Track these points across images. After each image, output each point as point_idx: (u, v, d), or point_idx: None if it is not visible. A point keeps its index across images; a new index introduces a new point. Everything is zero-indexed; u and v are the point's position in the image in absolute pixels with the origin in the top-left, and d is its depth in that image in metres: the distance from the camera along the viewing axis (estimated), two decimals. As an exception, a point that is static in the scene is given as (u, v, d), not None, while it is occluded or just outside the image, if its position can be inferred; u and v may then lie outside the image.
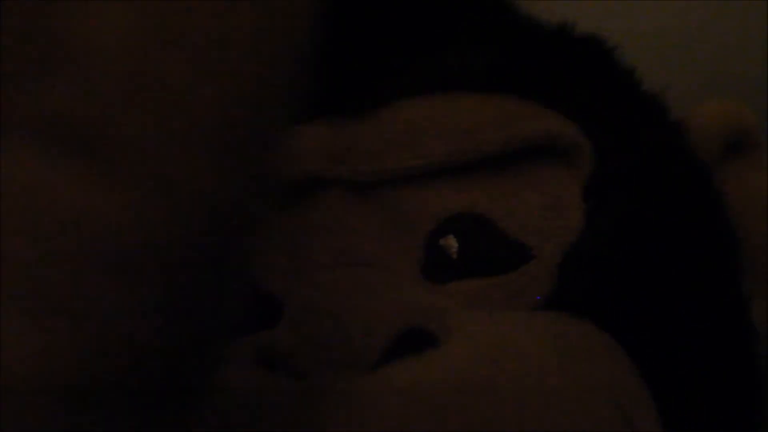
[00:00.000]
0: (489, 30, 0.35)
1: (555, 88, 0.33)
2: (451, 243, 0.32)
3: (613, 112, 0.34)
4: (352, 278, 0.30)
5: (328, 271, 0.31)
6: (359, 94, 0.33)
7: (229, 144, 0.20)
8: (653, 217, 0.32)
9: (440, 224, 0.32)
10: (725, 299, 0.34)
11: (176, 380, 0.22)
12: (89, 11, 0.20)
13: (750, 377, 0.34)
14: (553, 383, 0.28)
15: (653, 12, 0.56)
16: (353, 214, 0.32)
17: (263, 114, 0.21)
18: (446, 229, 0.32)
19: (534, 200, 0.32)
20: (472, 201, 0.32)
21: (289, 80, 0.22)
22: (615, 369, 0.30)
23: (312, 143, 0.32)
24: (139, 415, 0.21)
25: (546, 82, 0.33)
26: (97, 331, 0.20)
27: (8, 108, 0.20)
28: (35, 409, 0.20)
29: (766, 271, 0.37)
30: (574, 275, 0.31)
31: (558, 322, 0.30)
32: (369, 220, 0.32)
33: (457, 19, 0.35)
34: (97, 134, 0.20)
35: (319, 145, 0.32)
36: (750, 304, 0.35)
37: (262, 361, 0.29)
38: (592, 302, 0.31)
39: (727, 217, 0.35)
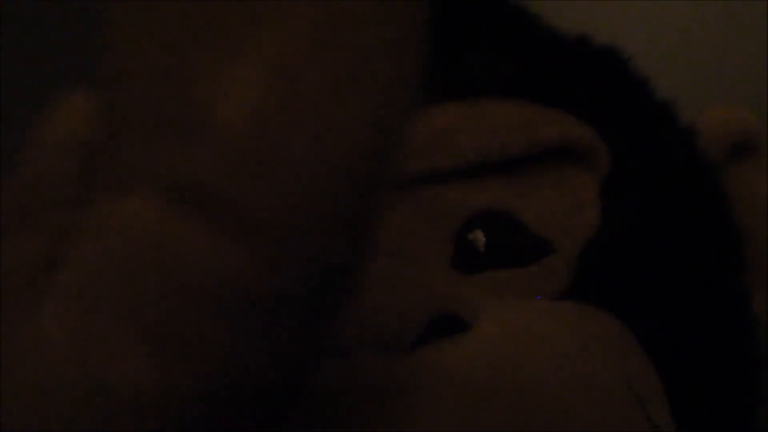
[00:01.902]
0: (514, 41, 0.36)
1: (575, 96, 0.35)
2: (479, 237, 0.33)
3: (627, 118, 0.35)
4: (389, 268, 0.32)
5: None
6: None
7: (336, 215, 0.22)
8: (664, 215, 0.34)
9: (469, 220, 0.33)
10: (729, 292, 0.36)
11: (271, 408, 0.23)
12: (227, 84, 0.21)
13: (750, 363, 0.36)
14: (573, 365, 0.30)
15: (653, 12, 0.57)
16: (389, 211, 0.34)
17: (369, 186, 0.23)
18: (474, 224, 0.33)
19: (555, 199, 0.33)
20: (498, 199, 0.33)
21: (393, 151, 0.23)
22: (630, 355, 0.32)
23: None
24: None
25: (566, 89, 0.35)
26: (212, 370, 0.22)
27: (144, 165, 0.22)
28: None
29: (767, 266, 0.39)
30: (591, 268, 0.33)
31: (576, 311, 0.32)
32: (403, 216, 0.33)
33: (485, 29, 0.36)
34: (228, 200, 0.21)
35: None
36: (751, 296, 0.37)
37: None
38: (607, 293, 0.33)
39: (731, 216, 0.37)
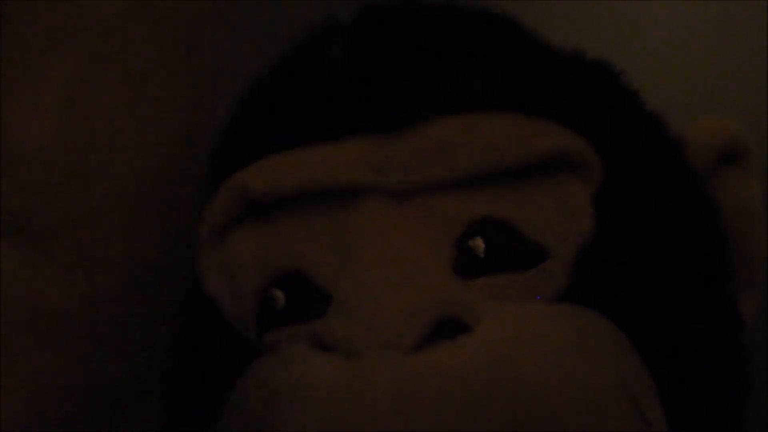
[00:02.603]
0: (510, 56, 0.38)
1: (568, 109, 0.36)
2: (479, 244, 0.34)
3: (618, 129, 0.37)
4: (394, 273, 0.33)
5: (372, 267, 0.34)
6: (396, 114, 0.36)
7: (136, 226, 0.24)
8: (653, 222, 0.35)
9: (468, 227, 0.35)
10: (716, 294, 0.37)
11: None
12: (27, 111, 0.23)
13: (737, 361, 0.37)
14: (568, 364, 0.31)
15: (653, 12, 0.57)
16: (392, 219, 0.35)
17: (162, 193, 0.24)
18: (474, 231, 0.35)
19: (550, 207, 0.35)
20: (497, 207, 0.35)
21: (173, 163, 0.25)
22: (622, 356, 0.33)
23: (356, 156, 0.35)
24: None
25: (561, 103, 0.36)
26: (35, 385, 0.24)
27: None
28: None
29: (755, 267, 0.40)
30: (585, 273, 0.34)
31: (571, 313, 0.33)
32: (406, 224, 0.35)
33: (482, 45, 0.38)
34: (39, 220, 0.23)
35: (363, 158, 0.35)
36: (738, 297, 0.38)
37: (317, 344, 0.32)
38: (600, 296, 0.34)
39: (719, 221, 0.38)
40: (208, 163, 0.40)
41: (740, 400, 0.38)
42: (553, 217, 0.35)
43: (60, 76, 0.23)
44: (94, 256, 0.23)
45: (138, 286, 0.24)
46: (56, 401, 0.24)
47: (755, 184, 0.40)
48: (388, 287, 0.33)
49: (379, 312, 0.32)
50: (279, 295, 0.35)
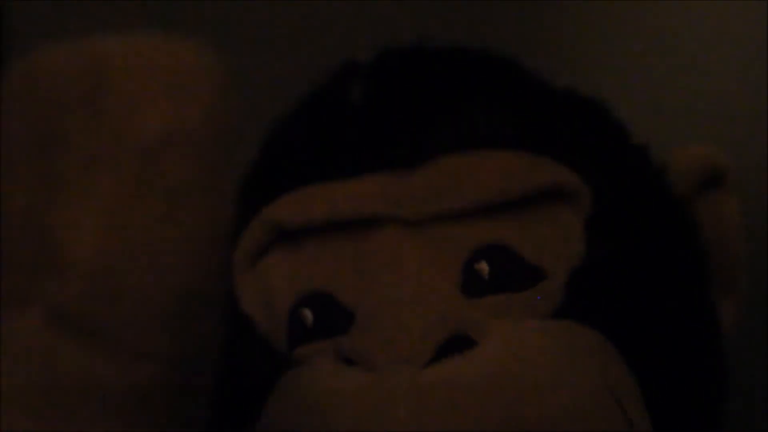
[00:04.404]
0: (511, 96, 0.41)
1: (563, 145, 0.40)
2: (483, 267, 0.38)
3: (607, 162, 0.40)
4: (409, 294, 0.37)
5: (389, 288, 0.37)
6: (410, 152, 0.40)
7: (175, 321, 0.28)
8: (638, 244, 0.39)
9: (474, 253, 0.38)
10: (697, 306, 0.41)
11: None
12: (75, 231, 0.27)
13: (718, 367, 0.41)
14: (562, 373, 0.35)
15: (654, 12, 0.59)
16: (407, 245, 0.38)
17: (199, 296, 0.28)
18: (479, 256, 0.38)
19: (547, 233, 0.38)
20: (499, 234, 0.38)
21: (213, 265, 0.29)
22: (611, 365, 0.36)
23: (375, 190, 0.39)
24: None
25: (556, 140, 0.40)
26: None
27: (30, 292, 0.27)
28: None
29: (734, 274, 0.44)
30: (578, 291, 0.38)
31: (566, 327, 0.37)
32: (419, 250, 0.38)
33: (486, 87, 0.42)
34: (86, 321, 0.27)
35: (380, 192, 0.39)
36: (718, 304, 0.42)
37: (342, 359, 0.36)
38: (591, 312, 0.37)
39: (697, 239, 0.42)
40: (237, 196, 0.43)
41: (721, 403, 0.41)
42: (549, 242, 0.38)
43: (99, 205, 0.26)
44: (139, 350, 0.27)
45: (177, 373, 0.28)
46: None
47: (733, 203, 0.44)
48: (404, 306, 0.36)
49: (397, 329, 0.35)
50: (308, 313, 0.39)
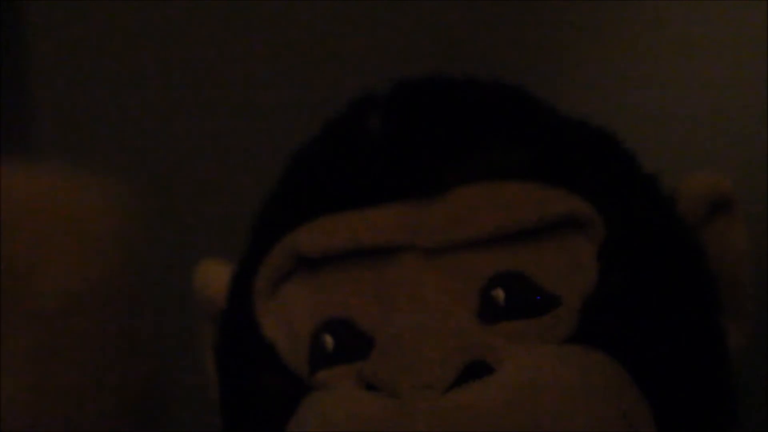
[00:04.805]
0: (525, 128, 0.42)
1: (575, 176, 0.41)
2: (500, 294, 0.39)
3: (618, 192, 0.41)
4: (428, 321, 0.38)
5: (409, 315, 0.38)
6: (427, 183, 0.41)
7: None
8: (649, 271, 0.40)
9: (490, 280, 0.39)
10: (707, 332, 0.42)
11: None
12: None
13: (725, 391, 0.42)
14: (577, 398, 0.36)
15: (654, 12, 0.58)
16: (424, 273, 0.39)
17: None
18: (495, 283, 0.39)
19: (561, 261, 0.39)
20: (515, 262, 0.39)
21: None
22: (624, 390, 0.37)
23: (393, 219, 0.40)
24: None
25: (569, 171, 0.41)
26: None
27: None
28: None
29: (742, 299, 0.45)
30: (592, 318, 0.38)
31: (580, 353, 0.37)
32: (437, 278, 0.39)
33: (500, 118, 0.43)
34: None
35: (399, 221, 0.40)
36: (727, 328, 0.43)
37: (363, 384, 0.37)
38: (604, 338, 0.38)
39: (706, 265, 0.43)
40: (254, 223, 0.45)
41: (728, 425, 0.42)
42: (563, 270, 0.39)
43: (12, 359, 0.26)
44: None
45: None
46: None
47: (741, 230, 0.45)
48: (423, 333, 0.37)
49: (417, 356, 0.36)
50: (329, 339, 0.40)
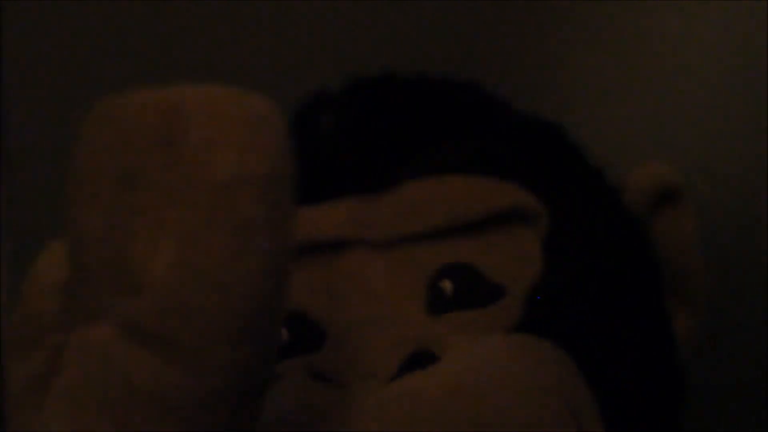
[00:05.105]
0: (473, 124, 0.43)
1: (521, 170, 0.42)
2: (447, 285, 0.40)
3: (563, 184, 0.42)
4: (376, 313, 0.39)
5: (358, 308, 0.39)
6: (377, 178, 0.42)
7: (238, 340, 0.30)
8: (593, 261, 0.41)
9: (439, 272, 0.40)
10: (651, 317, 0.42)
11: None
12: (152, 251, 0.30)
13: (672, 375, 0.43)
14: (519, 387, 0.36)
15: (654, 12, 0.58)
16: (374, 267, 0.40)
17: (265, 315, 0.30)
18: (443, 275, 0.40)
19: (507, 252, 0.40)
20: (462, 254, 0.40)
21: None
22: (566, 376, 0.38)
23: (344, 214, 0.41)
24: None
25: (515, 165, 0.42)
26: None
27: (102, 307, 0.30)
28: None
29: (693, 287, 0.46)
30: (537, 307, 0.39)
31: (524, 341, 0.38)
32: (386, 271, 0.40)
33: (449, 115, 0.44)
34: (159, 335, 0.29)
35: (350, 216, 0.41)
36: (672, 318, 0.44)
37: (313, 375, 0.37)
38: (549, 326, 0.39)
39: (651, 254, 0.44)
40: None
41: (676, 410, 0.43)
42: (509, 262, 0.40)
43: (174, 235, 0.29)
44: (207, 362, 0.30)
45: (239, 385, 0.31)
46: None
47: (690, 219, 0.46)
48: (371, 325, 0.38)
49: (363, 347, 0.37)
50: (283, 332, 0.40)
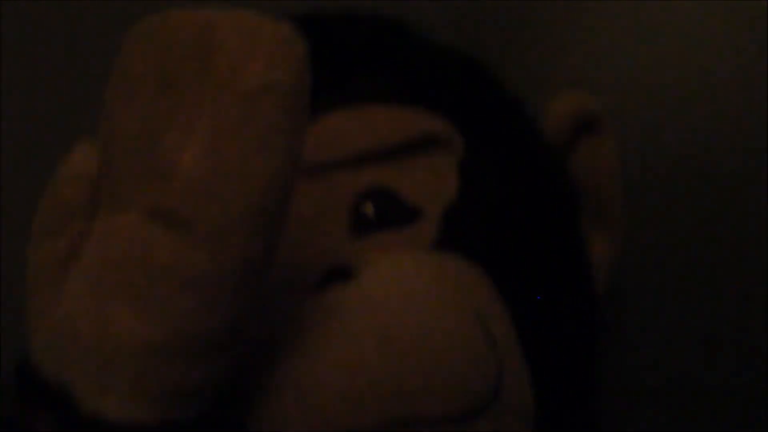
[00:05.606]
0: (394, 56, 0.45)
1: (438, 99, 0.43)
2: (369, 207, 0.41)
3: (479, 112, 0.44)
4: (302, 235, 0.41)
5: (285, 232, 0.40)
6: None
7: (256, 223, 0.33)
8: (507, 183, 0.43)
9: (360, 196, 0.41)
10: (568, 240, 0.44)
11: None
12: (183, 142, 0.32)
13: (586, 298, 0.45)
14: (431, 296, 0.38)
15: (654, 12, 0.58)
16: (298, 194, 0.40)
17: (280, 200, 0.33)
18: (365, 198, 0.41)
19: (423, 176, 0.42)
20: (382, 178, 0.42)
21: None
22: (478, 289, 0.40)
23: None
24: None
25: (432, 94, 0.43)
26: (178, 326, 0.33)
27: (131, 195, 0.33)
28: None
29: (609, 211, 0.48)
30: (452, 226, 0.41)
31: (438, 258, 0.40)
32: (311, 196, 0.42)
33: (371, 49, 0.45)
34: (186, 219, 0.32)
35: None
36: (589, 242, 0.46)
37: None
38: (463, 244, 0.40)
39: (567, 181, 0.45)
40: None
41: (592, 337, 0.45)
42: (425, 184, 0.42)
43: (204, 133, 0.31)
44: (229, 243, 0.32)
45: (257, 265, 0.33)
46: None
47: (610, 147, 0.48)
48: (296, 248, 0.40)
49: (288, 262, 0.39)
50: None
